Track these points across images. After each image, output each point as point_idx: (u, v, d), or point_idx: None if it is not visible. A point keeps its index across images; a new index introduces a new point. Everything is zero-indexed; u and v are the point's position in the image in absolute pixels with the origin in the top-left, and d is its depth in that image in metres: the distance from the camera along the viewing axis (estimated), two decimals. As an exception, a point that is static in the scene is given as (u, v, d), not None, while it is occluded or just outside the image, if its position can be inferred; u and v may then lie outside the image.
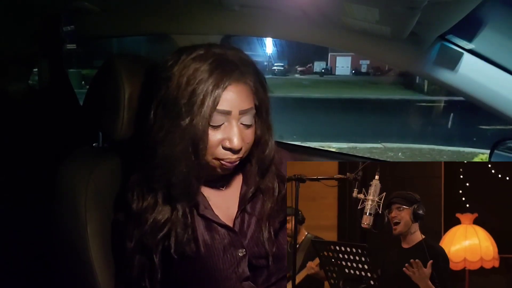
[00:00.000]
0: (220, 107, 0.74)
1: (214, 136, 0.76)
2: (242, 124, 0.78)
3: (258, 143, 0.85)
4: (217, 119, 0.75)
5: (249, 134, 0.81)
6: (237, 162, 0.81)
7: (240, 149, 0.78)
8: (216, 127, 0.76)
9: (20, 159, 1.41)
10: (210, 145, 0.76)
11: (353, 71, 23.48)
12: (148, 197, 0.80)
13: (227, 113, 0.76)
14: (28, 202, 1.32)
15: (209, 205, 0.85)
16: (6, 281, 1.29)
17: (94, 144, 0.99)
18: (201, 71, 0.74)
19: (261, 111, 0.83)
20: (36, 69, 1.63)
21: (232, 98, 0.76)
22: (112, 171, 0.92)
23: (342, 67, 23.92)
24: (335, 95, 13.67)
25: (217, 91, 0.73)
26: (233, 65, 0.77)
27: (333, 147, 5.91)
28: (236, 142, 0.76)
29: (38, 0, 1.31)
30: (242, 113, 0.77)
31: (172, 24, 1.35)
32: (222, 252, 0.82)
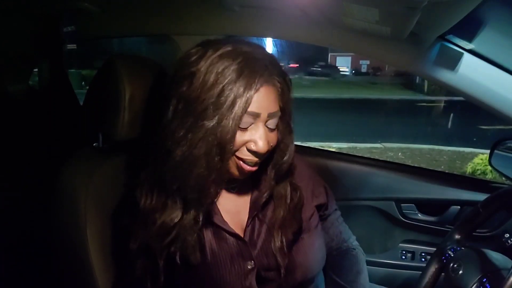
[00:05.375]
0: (250, 109, 0.71)
1: (240, 137, 0.73)
2: (267, 127, 0.76)
3: (277, 148, 0.81)
4: (245, 121, 0.72)
5: (273, 137, 0.78)
6: (256, 168, 0.78)
7: (265, 153, 0.76)
8: (243, 129, 0.73)
9: (20, 160, 1.41)
10: (234, 145, 0.73)
11: (353, 71, 23.45)
12: (158, 197, 0.77)
13: (257, 115, 0.73)
14: (28, 203, 1.32)
15: (219, 210, 0.81)
16: (6, 281, 1.29)
17: (94, 145, 0.99)
18: (230, 70, 0.70)
19: (285, 114, 0.79)
20: (36, 69, 1.63)
21: (262, 100, 0.72)
22: (112, 172, 0.92)
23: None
24: (335, 95, 13.65)
25: (249, 92, 0.70)
26: (262, 65, 0.73)
27: (333, 147, 5.91)
28: (261, 145, 0.73)
29: (38, 0, 1.31)
30: (270, 116, 0.75)
31: (172, 25, 1.35)
32: (230, 262, 0.78)
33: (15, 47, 1.42)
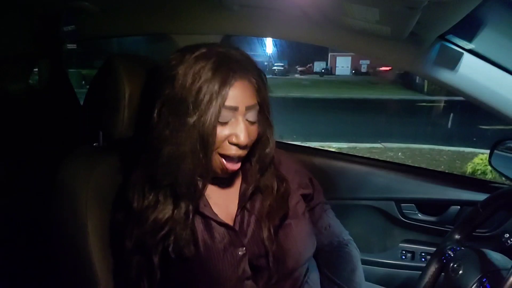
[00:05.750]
0: (228, 103, 0.76)
1: (221, 132, 0.78)
2: (247, 120, 0.80)
3: (259, 141, 0.86)
4: (224, 115, 0.77)
5: (254, 130, 0.82)
6: (239, 166, 0.82)
7: (246, 145, 0.80)
8: (223, 123, 0.77)
9: (20, 159, 1.41)
10: (217, 140, 0.77)
11: (353, 71, 23.42)
12: (150, 196, 0.80)
13: (234, 109, 0.77)
14: (29, 202, 1.32)
15: (208, 203, 0.85)
16: (6, 279, 1.29)
17: (94, 144, 1.00)
18: (206, 69, 0.75)
19: (263, 109, 0.84)
20: (36, 69, 1.63)
21: (238, 94, 0.77)
22: (112, 170, 0.92)
23: (342, 67, 23.85)
24: (335, 95, 13.65)
25: (224, 88, 0.75)
26: (236, 62, 0.78)
27: (333, 147, 5.91)
28: (242, 138, 0.78)
29: (38, 0, 1.31)
30: (248, 109, 0.79)
31: (172, 24, 1.35)
32: (222, 252, 0.81)
33: (15, 46, 1.42)
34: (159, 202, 0.79)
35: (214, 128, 0.76)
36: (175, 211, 0.79)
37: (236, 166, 0.82)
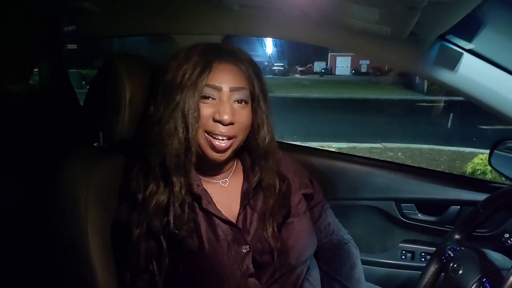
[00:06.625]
0: (211, 82, 0.81)
1: (206, 111, 0.81)
2: (236, 102, 0.83)
3: (255, 131, 0.88)
4: (208, 93, 0.81)
5: (244, 114, 0.85)
6: (227, 145, 0.83)
7: (231, 124, 0.81)
8: (208, 102, 0.81)
9: (20, 159, 1.41)
10: (201, 117, 0.81)
11: (353, 71, 23.46)
12: (151, 184, 0.82)
13: (218, 89, 0.81)
14: (29, 202, 1.32)
15: (212, 200, 0.86)
16: (6, 280, 1.29)
17: (95, 144, 1.00)
18: (194, 56, 0.82)
19: (257, 98, 0.87)
20: (36, 69, 1.63)
21: (223, 75, 0.82)
22: (112, 171, 0.93)
23: (342, 67, 23.89)
24: (335, 95, 13.66)
25: (208, 68, 0.80)
26: (224, 50, 0.85)
27: (333, 147, 5.91)
28: (225, 115, 0.80)
29: (38, 0, 1.31)
30: (233, 90, 0.82)
31: (172, 24, 1.35)
32: (226, 249, 0.83)
33: (15, 46, 1.42)
34: (159, 187, 0.82)
35: (196, 104, 0.79)
36: (172, 191, 0.82)
37: (224, 144, 0.82)
